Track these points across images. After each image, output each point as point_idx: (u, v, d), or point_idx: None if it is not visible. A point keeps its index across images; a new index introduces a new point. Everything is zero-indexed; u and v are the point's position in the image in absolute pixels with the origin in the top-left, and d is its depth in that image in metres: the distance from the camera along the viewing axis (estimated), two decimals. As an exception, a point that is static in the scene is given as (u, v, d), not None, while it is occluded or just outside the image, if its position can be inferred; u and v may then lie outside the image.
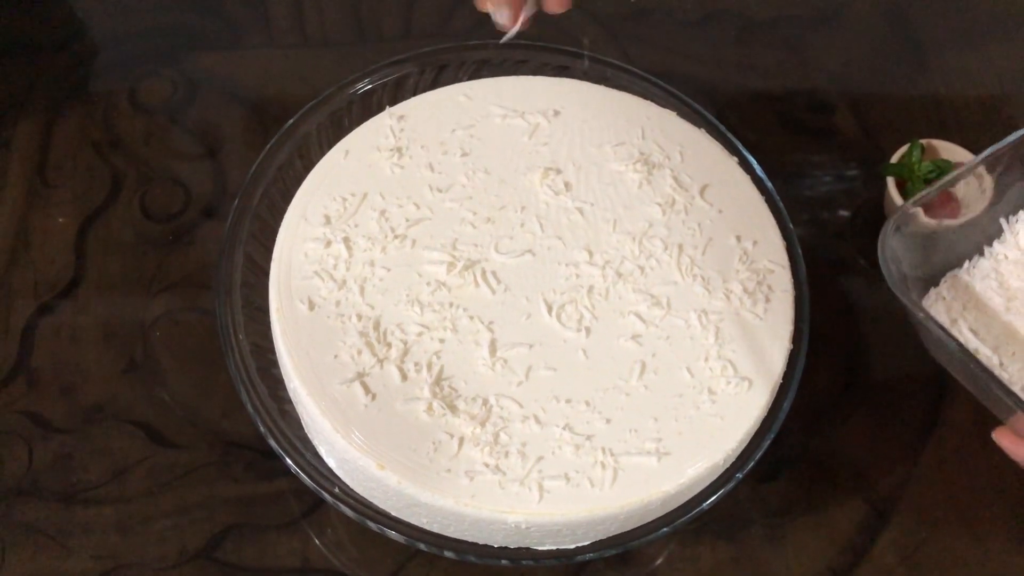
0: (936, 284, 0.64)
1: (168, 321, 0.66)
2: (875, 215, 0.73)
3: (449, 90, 0.63)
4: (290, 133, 0.62)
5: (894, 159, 0.71)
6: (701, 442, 0.52)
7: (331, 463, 0.54)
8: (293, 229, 0.57)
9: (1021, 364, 0.60)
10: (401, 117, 0.61)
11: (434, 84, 0.64)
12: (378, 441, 0.51)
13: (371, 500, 0.54)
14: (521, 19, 0.53)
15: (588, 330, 0.55)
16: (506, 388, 0.53)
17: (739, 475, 0.54)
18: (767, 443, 0.55)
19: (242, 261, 0.59)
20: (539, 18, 0.82)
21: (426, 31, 0.80)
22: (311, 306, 0.54)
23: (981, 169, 0.63)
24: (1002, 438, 0.56)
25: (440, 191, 0.59)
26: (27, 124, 0.73)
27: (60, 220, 0.70)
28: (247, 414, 0.55)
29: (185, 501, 0.61)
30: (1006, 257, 0.64)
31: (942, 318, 0.61)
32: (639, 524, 0.54)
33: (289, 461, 0.54)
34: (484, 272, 0.56)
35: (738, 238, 0.59)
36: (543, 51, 0.66)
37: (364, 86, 0.64)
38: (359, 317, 0.54)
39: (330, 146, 0.61)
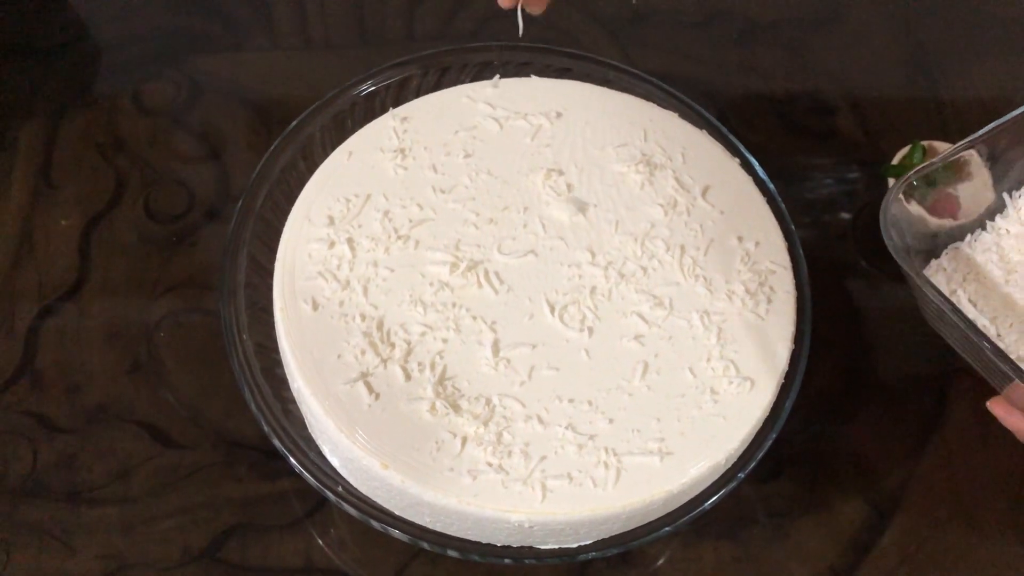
0: (937, 256, 0.64)
1: (172, 322, 0.67)
2: (876, 217, 0.73)
3: (452, 92, 0.63)
4: (293, 135, 0.63)
5: (895, 160, 0.71)
6: (703, 442, 0.53)
7: (335, 463, 0.55)
8: (297, 230, 0.57)
9: (1018, 335, 0.61)
10: (404, 119, 0.62)
11: (437, 86, 0.64)
12: (382, 440, 0.51)
13: (374, 499, 0.54)
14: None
15: (591, 330, 0.55)
16: (509, 388, 0.53)
17: (741, 475, 0.54)
18: (769, 443, 0.55)
19: (246, 262, 0.59)
20: (534, 22, 0.83)
21: (429, 33, 0.81)
22: (315, 306, 0.55)
23: (984, 170, 0.64)
24: (996, 407, 0.56)
25: (443, 192, 0.59)
26: (31, 126, 0.74)
27: (64, 222, 0.70)
28: (251, 414, 0.55)
29: (189, 501, 0.61)
30: (1007, 231, 0.64)
31: (942, 288, 0.61)
32: (641, 523, 0.54)
33: (293, 461, 0.54)
34: (487, 272, 0.56)
35: (740, 239, 0.59)
36: (546, 53, 0.66)
37: (367, 88, 0.64)
38: (363, 317, 0.54)
39: (333, 147, 0.61)
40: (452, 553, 0.54)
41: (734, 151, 0.63)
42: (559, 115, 0.62)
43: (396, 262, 0.56)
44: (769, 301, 0.57)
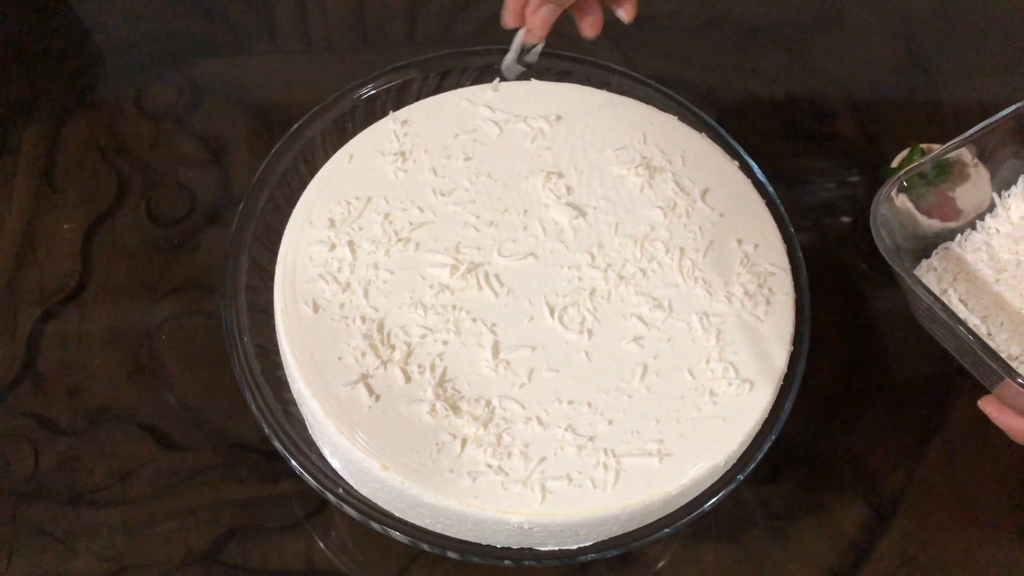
0: (928, 256, 0.65)
1: (173, 324, 0.67)
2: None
3: (452, 95, 0.63)
4: (294, 138, 0.63)
5: (895, 163, 0.72)
6: (702, 443, 0.53)
7: (335, 464, 0.55)
8: (298, 233, 0.57)
9: (1008, 334, 0.61)
10: (405, 122, 0.62)
11: (437, 89, 0.65)
12: (382, 442, 0.51)
13: (375, 501, 0.54)
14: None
15: (590, 332, 0.55)
16: (509, 390, 0.53)
17: (740, 476, 0.54)
18: (768, 445, 0.55)
19: (247, 265, 0.59)
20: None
21: (429, 37, 0.81)
22: (315, 308, 0.55)
23: (981, 170, 0.64)
24: (987, 405, 0.56)
25: (443, 195, 0.59)
26: (34, 129, 0.74)
27: (66, 225, 0.70)
28: (252, 416, 0.55)
29: (190, 503, 0.61)
30: (997, 231, 0.65)
31: (933, 288, 0.61)
32: (641, 525, 0.54)
33: (294, 463, 0.54)
34: (487, 275, 0.56)
35: (739, 241, 0.59)
36: (545, 56, 0.67)
37: (368, 91, 0.65)
38: (363, 319, 0.54)
39: (334, 151, 0.61)
40: (452, 554, 0.54)
41: (733, 154, 0.63)
42: (559, 118, 0.63)
43: (396, 264, 0.56)
44: (768, 303, 0.57)
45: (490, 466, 0.51)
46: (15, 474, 0.62)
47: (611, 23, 0.83)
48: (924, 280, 0.62)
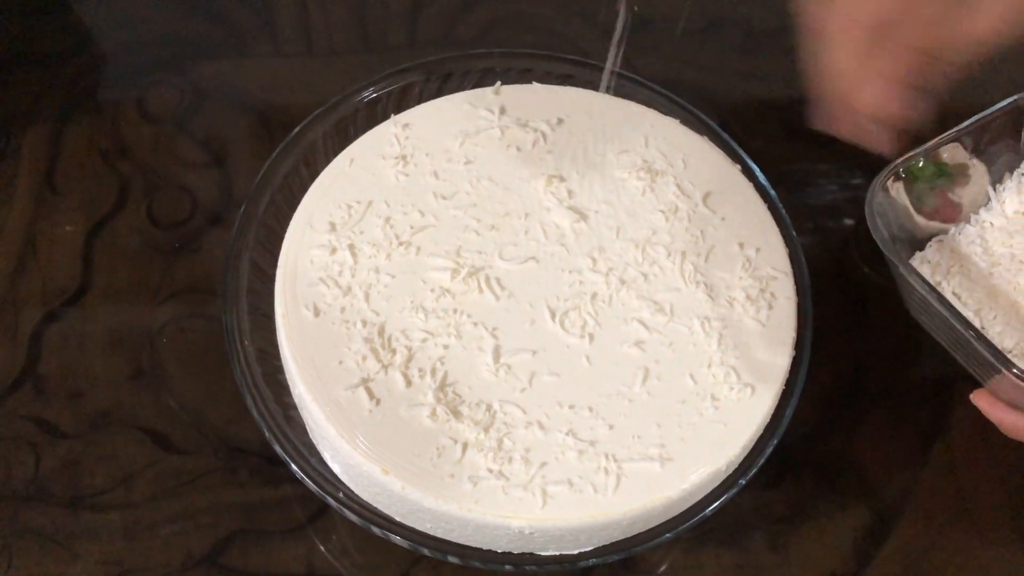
0: (922, 249, 0.65)
1: (174, 328, 0.67)
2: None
3: (453, 98, 0.63)
4: (296, 141, 0.63)
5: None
6: (704, 448, 0.53)
7: (336, 468, 0.55)
8: (299, 236, 0.57)
9: (1002, 327, 0.61)
10: (406, 125, 0.62)
11: (439, 92, 0.65)
12: (382, 446, 0.51)
13: (375, 505, 0.54)
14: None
15: (591, 336, 0.55)
16: (510, 394, 0.53)
17: (742, 481, 0.54)
18: (770, 449, 0.55)
19: (248, 268, 0.59)
20: (543, 27, 0.83)
21: (431, 40, 0.81)
22: (316, 312, 0.55)
23: (980, 169, 0.64)
24: (979, 399, 0.56)
25: (444, 198, 0.59)
26: (36, 132, 0.74)
27: (68, 228, 0.70)
28: (252, 420, 0.55)
29: (191, 507, 0.61)
30: (992, 224, 0.65)
31: (923, 286, 0.61)
32: (642, 530, 0.54)
33: (294, 467, 0.54)
34: (488, 279, 0.56)
35: (741, 245, 0.59)
36: (547, 60, 0.67)
37: (369, 94, 0.65)
38: (364, 323, 0.54)
39: (335, 154, 0.61)
40: (453, 559, 0.54)
41: (735, 157, 0.63)
42: (560, 121, 0.62)
43: (397, 268, 0.56)
44: (770, 307, 0.57)
45: (491, 471, 0.51)
46: (16, 477, 0.61)
47: (611, 24, 0.83)
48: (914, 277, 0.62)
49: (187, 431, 0.63)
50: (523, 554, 0.54)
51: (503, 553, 0.54)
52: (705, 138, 0.63)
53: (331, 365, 0.53)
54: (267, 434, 0.55)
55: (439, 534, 0.53)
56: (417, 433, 0.52)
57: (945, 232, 0.66)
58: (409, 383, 0.53)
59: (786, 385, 0.56)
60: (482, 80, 0.65)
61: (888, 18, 0.46)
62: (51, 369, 0.65)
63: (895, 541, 0.63)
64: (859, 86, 0.48)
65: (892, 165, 0.61)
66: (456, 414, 0.52)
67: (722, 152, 0.63)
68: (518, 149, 0.61)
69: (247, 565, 0.60)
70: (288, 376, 0.55)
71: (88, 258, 0.69)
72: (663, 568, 0.62)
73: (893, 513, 0.64)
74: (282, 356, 0.55)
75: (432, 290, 0.56)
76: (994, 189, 0.66)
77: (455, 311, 0.55)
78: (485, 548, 0.54)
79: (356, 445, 0.51)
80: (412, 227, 0.58)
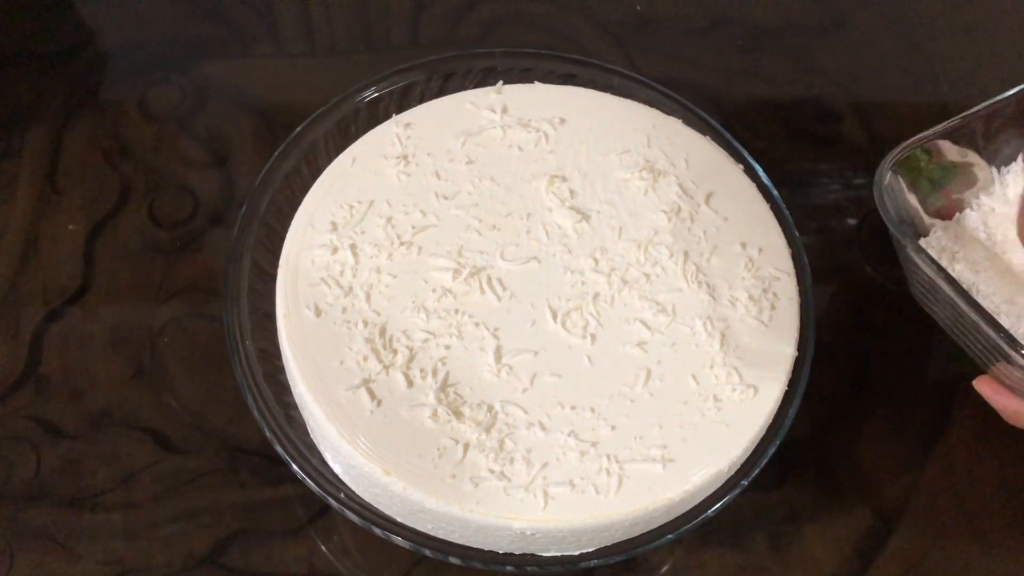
0: (925, 235, 0.64)
1: (176, 327, 0.67)
2: (882, 222, 0.73)
3: (455, 98, 0.63)
4: (297, 141, 0.63)
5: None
6: (706, 449, 0.52)
7: (337, 469, 0.55)
8: (300, 236, 0.57)
9: (1006, 311, 0.60)
10: (407, 125, 0.62)
11: (440, 92, 0.64)
12: (383, 447, 0.51)
13: (376, 506, 0.54)
14: None
15: (593, 337, 0.55)
16: (511, 394, 0.53)
17: (744, 482, 0.54)
18: (772, 450, 0.55)
19: (249, 268, 0.59)
20: (545, 27, 0.83)
21: (433, 40, 0.81)
22: (317, 312, 0.55)
23: (992, 175, 0.64)
24: (982, 385, 0.56)
25: (446, 198, 0.59)
26: (37, 132, 0.74)
27: (70, 227, 0.70)
28: (253, 420, 0.55)
29: (192, 507, 0.61)
30: (993, 210, 0.64)
31: (930, 267, 0.61)
32: (644, 531, 0.53)
33: (295, 467, 0.54)
34: (490, 279, 0.56)
35: (743, 245, 0.59)
36: (549, 59, 0.67)
37: (371, 94, 0.65)
38: (365, 323, 0.54)
39: (337, 153, 0.61)
40: (454, 560, 0.54)
41: (738, 157, 0.63)
42: (562, 121, 0.62)
43: (399, 268, 0.56)
44: (773, 307, 0.57)
45: (492, 471, 0.51)
46: (16, 477, 0.61)
47: (616, 25, 0.83)
48: (920, 258, 0.61)
49: (188, 431, 0.63)
50: (525, 555, 0.54)
51: (504, 554, 0.54)
52: (707, 138, 0.63)
53: (332, 365, 0.53)
54: (268, 434, 0.55)
55: (440, 535, 0.53)
56: (418, 434, 0.51)
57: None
58: (410, 383, 0.53)
59: (788, 386, 0.55)
60: (484, 80, 0.65)
61: None
62: (52, 369, 0.65)
63: (897, 542, 0.63)
64: None
65: (903, 145, 0.61)
66: (457, 415, 0.52)
67: (724, 152, 0.63)
68: (520, 149, 0.61)
69: (248, 565, 0.60)
70: (289, 376, 0.55)
71: (89, 257, 0.69)
72: (665, 569, 0.62)
73: (895, 514, 0.64)
74: (283, 356, 0.55)
75: (434, 290, 0.56)
76: (998, 172, 0.65)
77: (457, 311, 0.55)
78: (486, 549, 0.53)
79: (357, 445, 0.51)
80: (414, 227, 0.58)
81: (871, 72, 0.82)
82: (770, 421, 0.54)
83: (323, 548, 0.61)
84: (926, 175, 0.70)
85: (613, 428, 0.52)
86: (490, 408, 0.52)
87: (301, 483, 0.54)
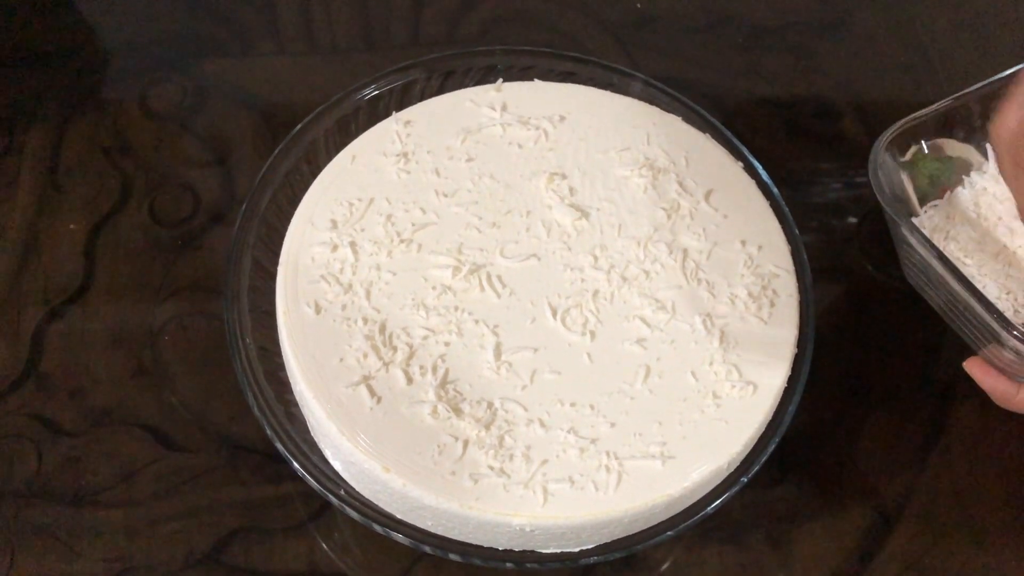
0: (917, 216, 0.64)
1: (176, 325, 0.67)
2: (882, 221, 0.73)
3: (455, 96, 0.63)
4: (298, 139, 0.63)
5: (906, 157, 0.71)
6: (706, 446, 0.53)
7: (337, 466, 0.55)
8: (300, 234, 0.57)
9: (995, 295, 0.60)
10: (408, 122, 0.62)
11: (440, 90, 0.65)
12: (383, 444, 0.51)
13: (377, 503, 0.54)
14: None
15: (593, 334, 0.55)
16: (511, 391, 0.53)
17: (744, 479, 0.54)
18: (772, 448, 0.55)
19: (250, 265, 0.59)
20: (545, 25, 0.83)
21: (433, 38, 0.81)
22: (317, 310, 0.55)
23: (989, 167, 0.64)
24: (973, 367, 0.56)
25: (446, 196, 0.59)
26: (38, 130, 0.74)
27: (71, 226, 0.70)
28: (254, 418, 0.55)
29: (192, 504, 0.61)
30: (986, 189, 0.64)
31: (923, 245, 0.61)
32: (644, 528, 0.54)
33: (295, 464, 0.54)
34: (489, 276, 0.56)
35: (743, 243, 0.59)
36: (549, 57, 0.67)
37: (371, 92, 0.65)
38: (365, 321, 0.54)
39: (337, 151, 0.61)
40: (454, 557, 0.54)
41: (737, 155, 0.63)
42: (562, 119, 0.62)
43: (399, 266, 0.56)
44: (772, 305, 0.57)
45: (492, 468, 0.51)
46: (18, 475, 0.62)
47: (616, 23, 0.83)
48: (914, 238, 0.61)
49: (189, 428, 0.64)
50: (524, 552, 0.54)
51: (504, 551, 0.54)
52: (707, 135, 0.63)
53: (332, 362, 0.53)
54: (268, 431, 0.55)
55: (440, 532, 0.53)
56: (418, 430, 0.52)
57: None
58: (410, 380, 0.53)
59: (788, 383, 0.55)
60: (484, 77, 0.65)
61: None
62: (53, 367, 0.65)
63: (897, 540, 0.63)
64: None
65: (897, 124, 0.61)
66: (457, 412, 0.52)
67: (724, 150, 0.63)
68: (520, 146, 0.61)
69: (249, 562, 0.60)
70: (289, 373, 0.55)
71: (90, 255, 0.69)
72: (665, 566, 0.62)
73: (895, 512, 0.64)
74: (283, 353, 0.55)
75: (433, 287, 0.56)
76: (990, 148, 0.65)
77: (456, 308, 0.55)
78: (486, 546, 0.54)
79: (357, 443, 0.51)
80: (413, 224, 0.58)
81: (871, 71, 0.82)
82: (769, 418, 0.54)
83: (324, 545, 0.61)
84: (925, 171, 0.70)
85: (612, 425, 0.52)
86: (490, 405, 0.52)
87: (301, 480, 0.54)
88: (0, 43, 0.78)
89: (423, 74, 0.65)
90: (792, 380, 0.56)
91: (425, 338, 0.54)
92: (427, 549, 0.54)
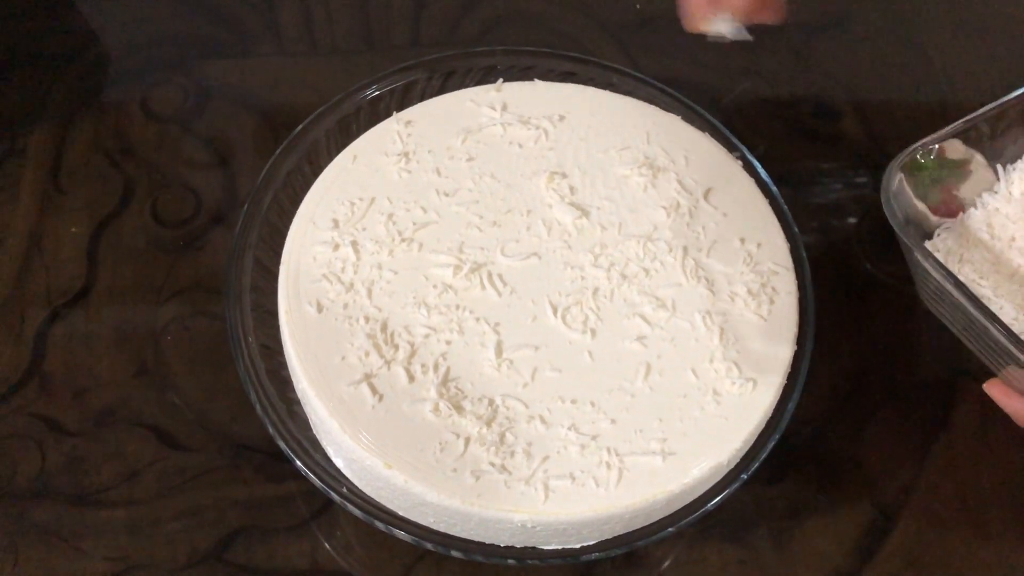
0: (931, 237, 0.64)
1: (179, 325, 0.67)
2: (882, 220, 0.74)
3: (456, 96, 0.63)
4: (299, 139, 0.63)
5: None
6: (706, 442, 0.53)
7: (339, 463, 0.55)
8: (302, 233, 0.58)
9: (1015, 314, 0.60)
10: (408, 122, 0.62)
11: (441, 90, 0.65)
12: (385, 441, 0.51)
13: (379, 500, 0.54)
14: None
15: (593, 332, 0.55)
16: (512, 389, 0.53)
17: (744, 475, 0.54)
18: (772, 444, 0.55)
19: (252, 265, 0.59)
20: (545, 25, 0.83)
21: (434, 38, 0.81)
22: (319, 308, 0.55)
23: (988, 171, 0.64)
24: (993, 389, 0.55)
25: (447, 195, 0.59)
26: (41, 132, 0.74)
27: (73, 228, 0.70)
28: (256, 417, 0.56)
29: (195, 503, 0.62)
30: (998, 210, 0.64)
31: (939, 271, 0.61)
32: (644, 524, 0.54)
33: (298, 462, 0.54)
34: (490, 275, 0.57)
35: (742, 240, 0.59)
36: (549, 57, 0.67)
37: (372, 92, 0.65)
38: (367, 319, 0.55)
39: (338, 151, 0.61)
40: (456, 554, 0.54)
41: (737, 154, 0.63)
42: (562, 118, 0.63)
43: (400, 265, 0.57)
44: (771, 302, 0.57)
45: (493, 465, 0.51)
46: (21, 475, 0.62)
47: (616, 23, 0.83)
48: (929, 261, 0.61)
49: (191, 428, 0.64)
50: (526, 548, 0.54)
51: (506, 547, 0.54)
52: (707, 134, 0.64)
53: (334, 361, 0.53)
54: (271, 430, 0.55)
55: (442, 528, 0.54)
56: (420, 428, 0.52)
57: (953, 217, 0.65)
58: (412, 378, 0.53)
59: (788, 380, 0.56)
60: (484, 78, 0.66)
61: None
62: (56, 367, 0.65)
63: (898, 537, 0.63)
64: None
65: (910, 149, 0.61)
66: (458, 409, 0.52)
67: (723, 148, 0.63)
68: (520, 146, 0.61)
69: (251, 561, 0.60)
70: (291, 372, 0.56)
71: (93, 257, 0.69)
72: (666, 563, 0.62)
73: (896, 509, 0.64)
74: (285, 352, 0.56)
75: (434, 286, 0.56)
76: (1003, 169, 0.65)
77: (457, 307, 0.55)
78: (488, 542, 0.54)
79: (359, 440, 0.51)
80: (415, 224, 0.58)
81: (871, 71, 0.82)
82: (769, 415, 0.55)
83: (326, 544, 0.61)
84: (927, 171, 0.70)
85: (613, 422, 0.53)
86: (491, 402, 0.53)
87: (304, 479, 0.55)
88: (2, 45, 0.78)
89: (424, 74, 0.66)
90: (792, 377, 0.56)
91: (426, 336, 0.54)
92: (429, 546, 0.54)
